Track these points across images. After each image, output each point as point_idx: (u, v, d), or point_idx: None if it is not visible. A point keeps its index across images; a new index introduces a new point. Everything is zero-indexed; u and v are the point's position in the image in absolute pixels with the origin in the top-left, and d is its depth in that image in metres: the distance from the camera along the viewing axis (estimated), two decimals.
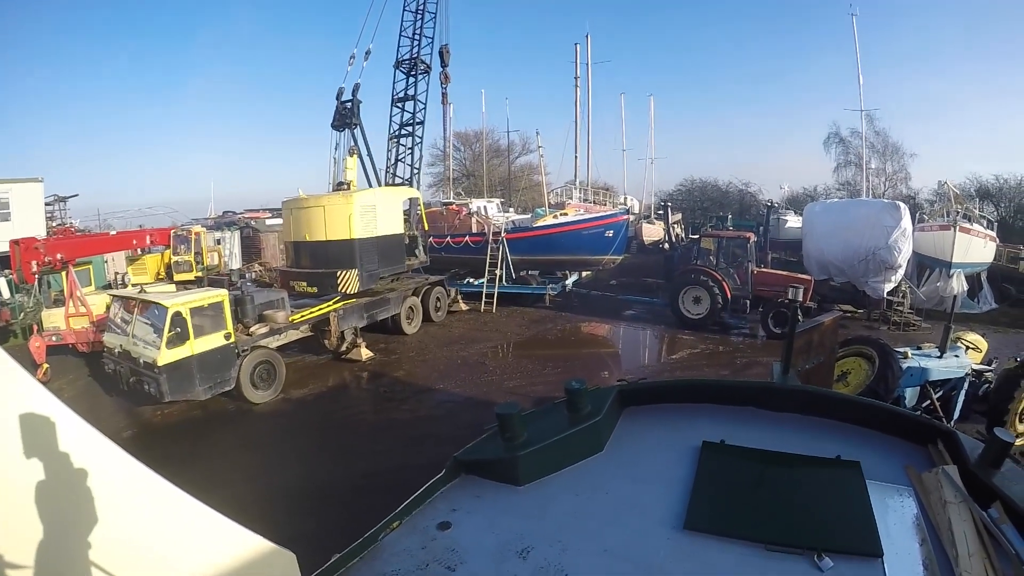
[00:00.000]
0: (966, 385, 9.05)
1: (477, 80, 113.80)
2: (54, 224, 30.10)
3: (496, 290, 21.43)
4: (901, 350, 8.94)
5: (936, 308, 20.11)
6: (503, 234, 21.90)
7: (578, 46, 41.94)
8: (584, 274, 25.33)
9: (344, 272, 15.78)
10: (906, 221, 18.40)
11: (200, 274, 21.11)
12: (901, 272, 18.80)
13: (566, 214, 24.93)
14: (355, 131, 19.89)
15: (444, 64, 22.67)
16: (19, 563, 1.58)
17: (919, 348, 9.39)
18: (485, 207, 27.66)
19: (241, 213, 41.52)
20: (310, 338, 15.22)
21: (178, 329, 11.06)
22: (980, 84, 72.01)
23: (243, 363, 12.31)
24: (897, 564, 2.38)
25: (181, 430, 11.38)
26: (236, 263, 28.76)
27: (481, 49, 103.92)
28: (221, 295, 12.12)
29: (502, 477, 3.25)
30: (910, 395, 8.81)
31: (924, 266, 22.02)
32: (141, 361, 11.15)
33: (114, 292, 14.12)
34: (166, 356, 10.86)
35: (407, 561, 2.62)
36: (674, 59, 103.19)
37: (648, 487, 3.09)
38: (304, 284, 16.55)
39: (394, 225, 17.62)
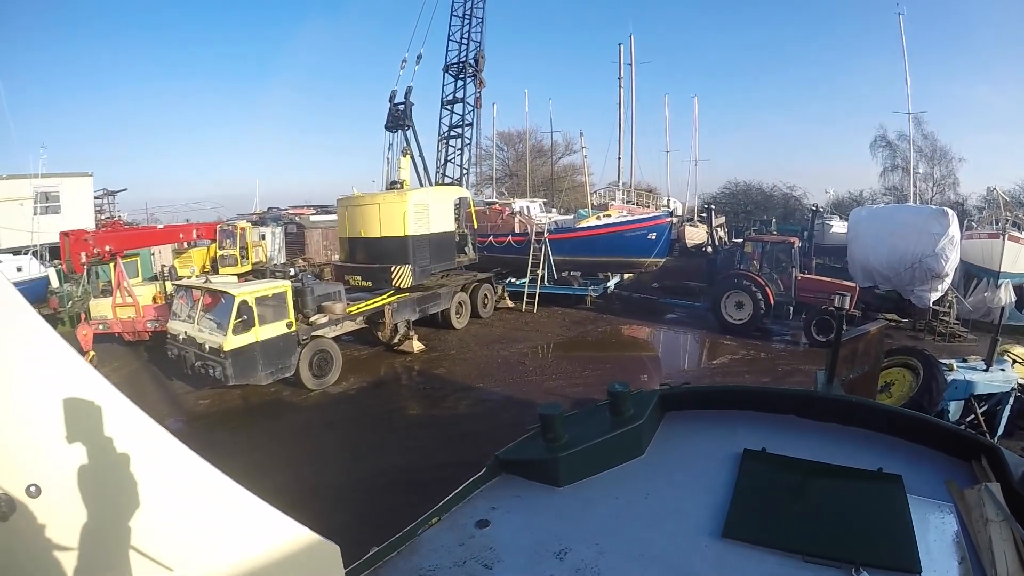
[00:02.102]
0: (1012, 400, 8.80)
1: (520, 80, 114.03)
2: (103, 217, 31.18)
3: (538, 290, 21.48)
4: (946, 362, 8.75)
5: (983, 319, 19.51)
6: (546, 234, 21.96)
7: (622, 46, 41.74)
8: (626, 276, 25.09)
9: (398, 267, 16.18)
10: (954, 228, 17.78)
11: (248, 268, 21.66)
12: (948, 281, 18.23)
13: (609, 215, 24.71)
14: (407, 132, 20.35)
15: (479, 69, 22.83)
16: (65, 545, 1.62)
17: (964, 360, 9.20)
18: (528, 207, 27.78)
19: (286, 209, 42.30)
20: (363, 330, 15.68)
21: (244, 317, 11.60)
22: None
23: (303, 351, 12.84)
24: None
25: (223, 420, 11.79)
26: (281, 258, 29.40)
27: (525, 49, 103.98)
28: (285, 286, 12.70)
29: (542, 477, 3.28)
30: (954, 409, 8.58)
31: (971, 275, 21.38)
32: (207, 347, 11.70)
33: (180, 282, 14.72)
34: (232, 342, 11.41)
35: (445, 557, 2.67)
36: (718, 61, 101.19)
37: (688, 493, 3.10)
38: (359, 278, 17.05)
39: (446, 223, 18.00)
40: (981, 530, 2.60)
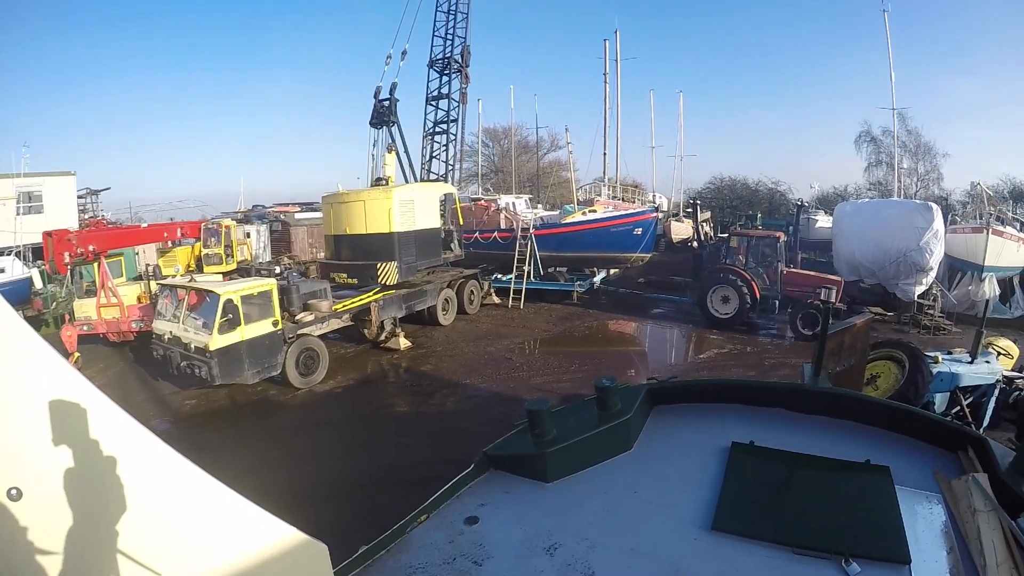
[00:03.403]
0: (996, 391, 8.85)
1: (506, 75, 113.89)
2: (86, 216, 30.61)
3: (524, 286, 21.49)
4: (931, 354, 8.81)
5: (967, 312, 19.73)
6: (531, 230, 21.98)
7: (607, 42, 41.57)
8: (612, 272, 25.25)
9: (384, 264, 16.12)
10: (938, 223, 17.94)
11: (233, 266, 21.49)
12: (932, 275, 18.37)
13: (595, 211, 24.69)
14: (392, 128, 20.29)
15: (464, 65, 22.84)
16: (48, 549, 1.59)
17: (950, 353, 9.23)
18: (514, 203, 27.72)
19: (270, 207, 41.92)
20: (349, 327, 15.67)
21: (230, 316, 11.51)
22: (1015, 83, 70.02)
23: (289, 349, 12.75)
24: (924, 572, 2.38)
25: (209, 420, 11.70)
26: (266, 256, 29.10)
27: (510, 44, 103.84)
28: (270, 284, 12.60)
29: (531, 473, 3.29)
30: (940, 401, 8.63)
31: (955, 269, 21.59)
32: (192, 346, 11.57)
33: (165, 281, 14.54)
34: (218, 341, 11.31)
35: (434, 555, 2.67)
36: (703, 56, 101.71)
37: (676, 487, 3.11)
38: (344, 276, 16.96)
39: (431, 219, 17.95)
40: (969, 520, 2.62)
